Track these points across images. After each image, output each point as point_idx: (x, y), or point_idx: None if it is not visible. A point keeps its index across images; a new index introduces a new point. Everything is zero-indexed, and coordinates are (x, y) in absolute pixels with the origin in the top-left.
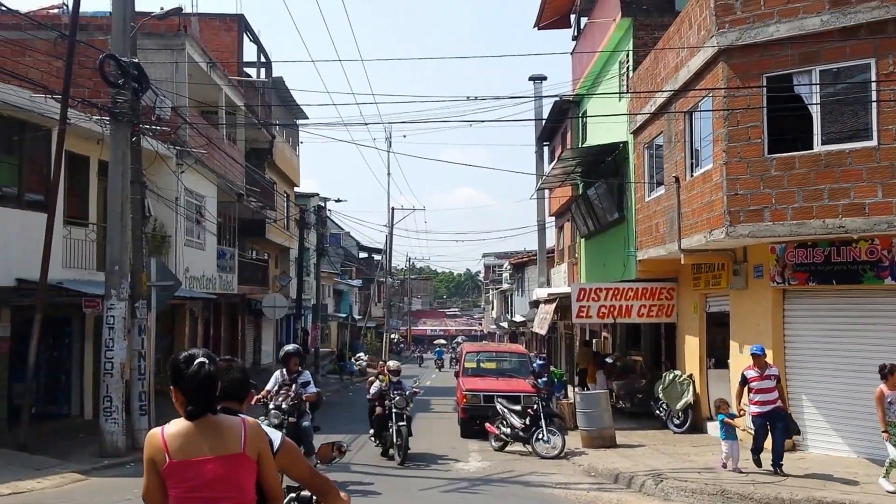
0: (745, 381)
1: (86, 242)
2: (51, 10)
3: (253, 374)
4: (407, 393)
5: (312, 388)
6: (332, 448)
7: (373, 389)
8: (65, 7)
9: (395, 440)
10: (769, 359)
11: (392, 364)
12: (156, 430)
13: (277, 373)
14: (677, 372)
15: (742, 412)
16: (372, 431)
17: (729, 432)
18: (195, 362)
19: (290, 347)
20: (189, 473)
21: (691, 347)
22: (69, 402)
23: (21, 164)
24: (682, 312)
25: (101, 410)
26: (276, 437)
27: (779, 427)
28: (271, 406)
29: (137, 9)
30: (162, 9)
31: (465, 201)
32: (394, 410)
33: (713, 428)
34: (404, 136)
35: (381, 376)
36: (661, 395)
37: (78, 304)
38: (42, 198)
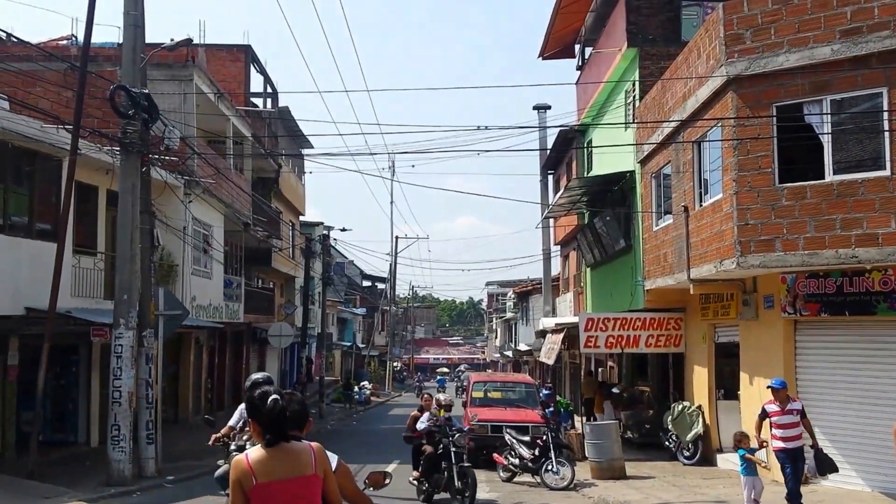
0: (765, 414)
1: (94, 271)
2: (61, 42)
3: None
4: (465, 429)
5: None
6: (384, 476)
7: (420, 425)
8: (74, 38)
9: (456, 484)
10: None
11: (443, 398)
12: (241, 457)
13: (242, 406)
14: (686, 403)
15: (764, 444)
16: (417, 473)
17: (749, 468)
18: (269, 399)
19: (258, 376)
20: (273, 492)
21: (700, 378)
22: (76, 430)
23: (31, 193)
24: (691, 342)
25: (109, 439)
26: (334, 459)
27: (799, 466)
28: (232, 447)
29: (147, 40)
30: (172, 40)
31: (469, 229)
32: (452, 450)
33: (723, 460)
34: (413, 167)
35: (430, 410)
36: (670, 427)
37: (85, 333)
38: (51, 227)
